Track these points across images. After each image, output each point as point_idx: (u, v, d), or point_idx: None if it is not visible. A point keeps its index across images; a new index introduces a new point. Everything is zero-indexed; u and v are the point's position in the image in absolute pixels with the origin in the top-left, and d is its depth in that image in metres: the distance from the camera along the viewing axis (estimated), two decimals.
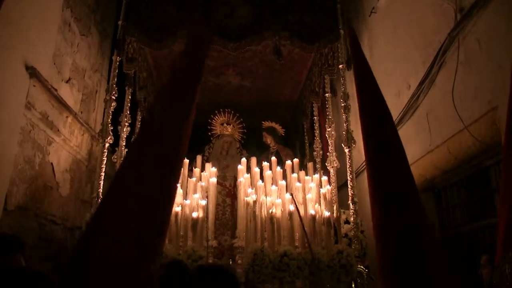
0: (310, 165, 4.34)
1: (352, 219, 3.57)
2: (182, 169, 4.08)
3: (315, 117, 4.98)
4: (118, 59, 4.00)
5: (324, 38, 4.10)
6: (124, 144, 4.13)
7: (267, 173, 4.02)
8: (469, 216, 3.14)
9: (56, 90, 3.82)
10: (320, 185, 3.93)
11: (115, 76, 3.92)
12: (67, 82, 4.20)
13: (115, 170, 3.97)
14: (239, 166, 4.03)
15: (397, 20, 3.96)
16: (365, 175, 4.56)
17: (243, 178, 3.88)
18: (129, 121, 4.23)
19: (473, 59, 2.77)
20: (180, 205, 3.64)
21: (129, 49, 4.21)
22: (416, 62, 3.54)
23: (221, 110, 5.24)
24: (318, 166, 4.63)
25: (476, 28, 2.72)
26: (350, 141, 3.75)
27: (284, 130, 5.40)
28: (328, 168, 4.12)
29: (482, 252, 2.77)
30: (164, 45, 4.09)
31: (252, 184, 3.87)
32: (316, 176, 4.05)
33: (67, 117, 4.14)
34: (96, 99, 4.97)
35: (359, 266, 3.35)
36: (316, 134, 4.88)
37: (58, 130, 3.97)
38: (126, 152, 4.06)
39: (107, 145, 3.70)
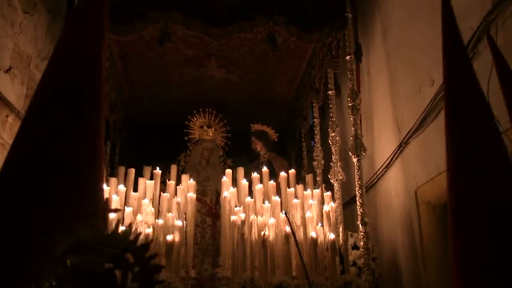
0: (309, 177, 4.28)
1: (361, 243, 3.45)
2: (154, 181, 3.90)
3: (315, 120, 4.93)
4: None
5: (327, 25, 3.99)
6: None
7: (258, 187, 3.93)
8: None
9: None
10: (322, 201, 3.86)
11: None
12: (6, 72, 3.93)
13: None
14: (223, 178, 3.97)
15: (417, 1, 3.84)
16: (377, 189, 4.50)
17: (228, 192, 3.82)
18: None
19: None
20: (151, 226, 3.55)
21: None
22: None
23: (201, 109, 5.14)
24: (319, 178, 4.57)
25: None
26: (359, 148, 3.62)
27: (277, 135, 5.35)
28: (332, 181, 4.08)
29: None
30: (131, 31, 3.92)
31: (239, 201, 3.80)
32: (317, 191, 3.98)
33: (7, 116, 3.87)
34: None
35: None
36: (316, 140, 4.83)
37: None
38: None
39: None
